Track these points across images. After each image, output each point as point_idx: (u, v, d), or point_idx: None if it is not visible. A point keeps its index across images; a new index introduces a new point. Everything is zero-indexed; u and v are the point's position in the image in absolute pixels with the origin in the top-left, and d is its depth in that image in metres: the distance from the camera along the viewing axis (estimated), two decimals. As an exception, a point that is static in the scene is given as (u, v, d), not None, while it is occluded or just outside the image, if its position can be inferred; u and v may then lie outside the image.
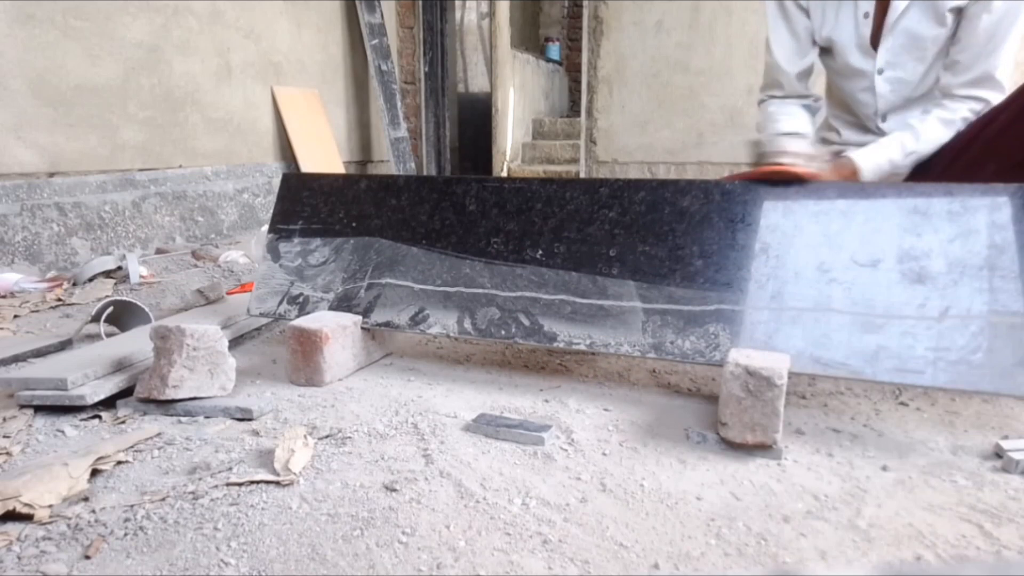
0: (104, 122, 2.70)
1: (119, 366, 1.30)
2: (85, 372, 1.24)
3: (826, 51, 1.62)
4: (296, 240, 1.57)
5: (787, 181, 1.24)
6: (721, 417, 1.06)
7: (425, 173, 5.11)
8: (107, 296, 2.08)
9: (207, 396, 1.22)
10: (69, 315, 1.94)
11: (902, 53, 1.50)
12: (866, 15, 1.50)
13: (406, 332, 1.41)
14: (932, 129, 1.45)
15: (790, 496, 0.94)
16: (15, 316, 1.91)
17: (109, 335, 1.60)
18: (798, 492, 0.95)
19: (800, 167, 1.25)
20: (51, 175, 2.53)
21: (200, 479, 0.98)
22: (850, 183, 1.29)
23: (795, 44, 1.60)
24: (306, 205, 1.59)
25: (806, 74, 1.64)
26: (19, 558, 0.80)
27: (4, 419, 1.17)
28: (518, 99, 6.07)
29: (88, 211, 2.64)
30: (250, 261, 2.61)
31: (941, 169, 1.44)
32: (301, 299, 1.50)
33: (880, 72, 1.53)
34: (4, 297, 2.11)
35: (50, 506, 0.89)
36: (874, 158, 1.44)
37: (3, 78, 2.34)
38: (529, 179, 1.44)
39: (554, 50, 7.70)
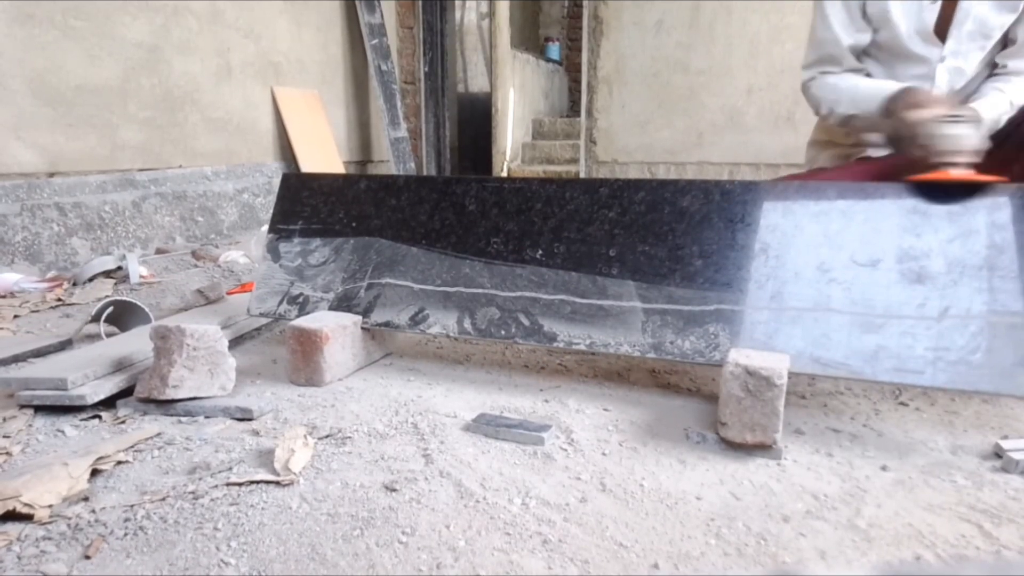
0: (104, 122, 2.70)
1: (119, 366, 1.30)
2: (85, 372, 1.24)
3: (875, 31, 1.55)
4: (296, 240, 1.57)
5: (969, 188, 1.11)
6: (721, 417, 1.06)
7: (425, 173, 5.11)
8: (107, 296, 2.08)
9: (207, 396, 1.22)
10: (69, 315, 1.94)
11: (968, 42, 1.46)
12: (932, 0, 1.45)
13: (406, 332, 1.41)
14: (1020, 95, 1.43)
15: (790, 496, 0.94)
16: (15, 316, 1.91)
17: (109, 335, 1.60)
18: (798, 492, 0.95)
19: (993, 176, 1.12)
20: (51, 175, 2.53)
21: (200, 479, 0.98)
22: (849, 184, 1.28)
23: (850, 20, 1.54)
24: (306, 205, 1.59)
25: (860, 51, 1.58)
26: (19, 558, 0.80)
27: (4, 419, 1.17)
28: (518, 99, 6.07)
29: (88, 211, 2.63)
30: (250, 261, 2.61)
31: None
32: (301, 299, 1.50)
33: (943, 60, 1.49)
34: (4, 297, 2.11)
35: (50, 506, 0.89)
36: (991, 113, 1.40)
37: (3, 78, 2.34)
38: (529, 179, 1.44)
39: (554, 50, 7.69)
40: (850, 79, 1.55)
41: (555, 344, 1.28)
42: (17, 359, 1.49)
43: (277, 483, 0.96)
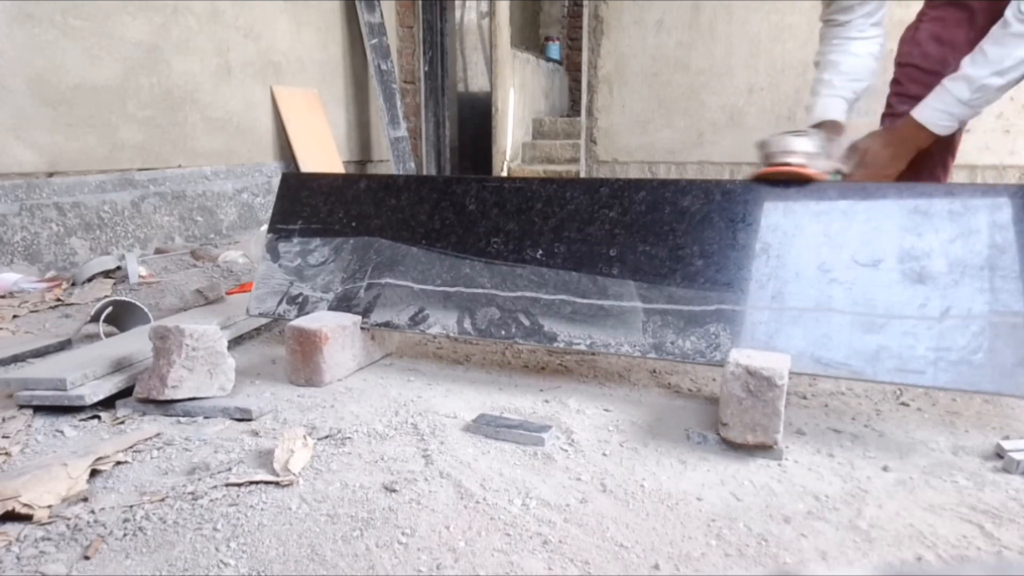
0: (103, 122, 2.70)
1: (118, 366, 1.30)
2: (84, 372, 1.23)
3: None
4: (295, 240, 1.56)
5: (793, 181, 1.24)
6: (722, 417, 1.06)
7: (425, 173, 5.10)
8: (106, 296, 2.08)
9: (206, 396, 1.21)
10: (68, 315, 1.93)
11: None
12: None
13: (406, 332, 1.40)
14: (1004, 45, 1.25)
15: (791, 496, 0.94)
16: (14, 316, 1.90)
17: (108, 335, 1.60)
18: (799, 492, 0.95)
19: (807, 168, 1.23)
20: (50, 175, 2.53)
21: (199, 479, 0.97)
22: (850, 184, 1.28)
23: None
24: (306, 205, 1.58)
25: None
26: (18, 558, 0.80)
27: (4, 419, 1.17)
28: (518, 99, 6.07)
29: (87, 211, 2.63)
30: (249, 261, 2.61)
31: None
32: (300, 299, 1.50)
33: None
34: (3, 297, 2.10)
35: (49, 506, 0.88)
36: (932, 104, 1.33)
37: (2, 78, 2.33)
38: (529, 179, 1.44)
39: (554, 49, 7.68)
40: (832, 60, 1.52)
41: (555, 344, 1.28)
42: (16, 359, 1.49)
43: (276, 484, 0.96)
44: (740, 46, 4.04)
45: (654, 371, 1.44)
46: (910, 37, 1.58)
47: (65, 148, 2.56)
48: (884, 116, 1.63)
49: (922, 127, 1.36)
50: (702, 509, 0.91)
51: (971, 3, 1.45)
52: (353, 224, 1.52)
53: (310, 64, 3.94)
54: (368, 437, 1.11)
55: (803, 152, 1.25)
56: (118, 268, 2.35)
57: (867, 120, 1.65)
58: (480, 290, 1.37)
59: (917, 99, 1.41)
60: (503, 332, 1.32)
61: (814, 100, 1.55)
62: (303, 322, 1.34)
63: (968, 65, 1.30)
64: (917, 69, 1.54)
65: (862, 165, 1.43)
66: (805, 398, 1.29)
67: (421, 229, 1.46)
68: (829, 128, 1.47)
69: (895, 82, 1.62)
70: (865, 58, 1.51)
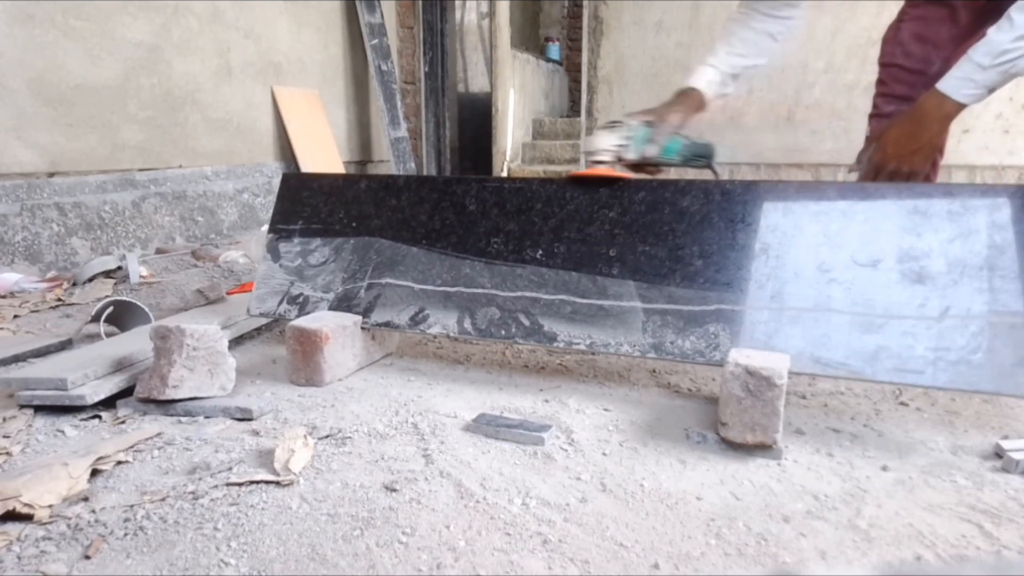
0: (104, 122, 2.70)
1: (119, 366, 1.30)
2: (85, 372, 1.24)
3: None
4: (296, 240, 1.57)
5: (604, 183, 1.31)
6: (721, 417, 1.06)
7: (425, 173, 5.10)
8: (107, 296, 2.08)
9: (207, 396, 1.22)
10: (69, 315, 1.93)
11: None
12: None
13: (406, 332, 1.41)
14: None
15: (790, 496, 0.94)
16: (15, 316, 1.91)
17: (109, 335, 1.60)
18: (798, 492, 0.95)
19: (612, 170, 1.30)
20: (51, 175, 2.53)
21: (200, 479, 0.98)
22: (850, 184, 1.28)
23: None
24: (306, 205, 1.59)
25: None
26: (19, 558, 0.80)
27: (4, 419, 1.17)
28: (518, 99, 6.07)
29: (88, 211, 2.63)
30: (250, 261, 2.61)
31: None
32: (301, 299, 1.50)
33: None
34: (4, 297, 2.11)
35: (50, 506, 0.89)
36: (954, 74, 1.27)
37: (3, 78, 2.34)
38: (529, 179, 1.44)
39: (554, 50, 7.69)
40: (730, 29, 1.47)
41: (555, 344, 1.28)
42: (17, 359, 1.49)
43: (277, 483, 0.96)
44: (740, 46, 4.03)
45: (654, 371, 1.44)
46: (892, 37, 1.57)
47: (66, 148, 2.57)
48: (871, 117, 1.63)
49: (945, 97, 1.30)
50: (701, 508, 0.91)
51: (953, 1, 1.45)
52: (353, 224, 1.53)
53: (310, 64, 3.95)
54: (368, 437, 1.12)
55: (607, 150, 1.31)
56: (119, 268, 2.36)
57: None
58: (480, 290, 1.37)
59: (903, 99, 1.40)
60: (503, 332, 1.32)
61: (694, 65, 1.50)
62: (304, 322, 1.35)
63: (993, 31, 1.26)
64: (901, 69, 1.53)
65: (880, 149, 1.36)
66: (804, 398, 1.29)
67: (421, 229, 1.46)
68: (690, 97, 1.45)
69: (880, 82, 1.61)
70: (763, 37, 1.46)
